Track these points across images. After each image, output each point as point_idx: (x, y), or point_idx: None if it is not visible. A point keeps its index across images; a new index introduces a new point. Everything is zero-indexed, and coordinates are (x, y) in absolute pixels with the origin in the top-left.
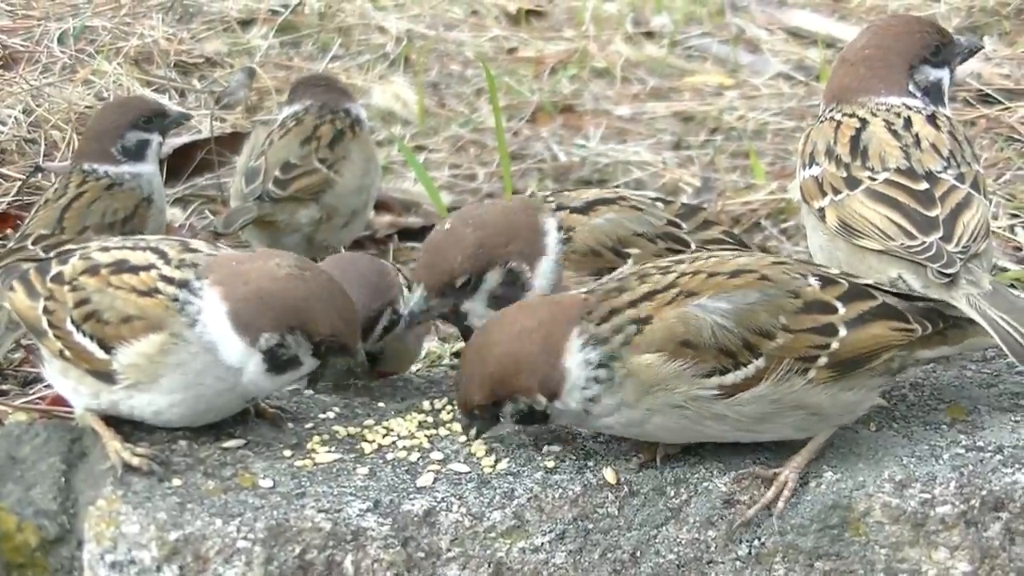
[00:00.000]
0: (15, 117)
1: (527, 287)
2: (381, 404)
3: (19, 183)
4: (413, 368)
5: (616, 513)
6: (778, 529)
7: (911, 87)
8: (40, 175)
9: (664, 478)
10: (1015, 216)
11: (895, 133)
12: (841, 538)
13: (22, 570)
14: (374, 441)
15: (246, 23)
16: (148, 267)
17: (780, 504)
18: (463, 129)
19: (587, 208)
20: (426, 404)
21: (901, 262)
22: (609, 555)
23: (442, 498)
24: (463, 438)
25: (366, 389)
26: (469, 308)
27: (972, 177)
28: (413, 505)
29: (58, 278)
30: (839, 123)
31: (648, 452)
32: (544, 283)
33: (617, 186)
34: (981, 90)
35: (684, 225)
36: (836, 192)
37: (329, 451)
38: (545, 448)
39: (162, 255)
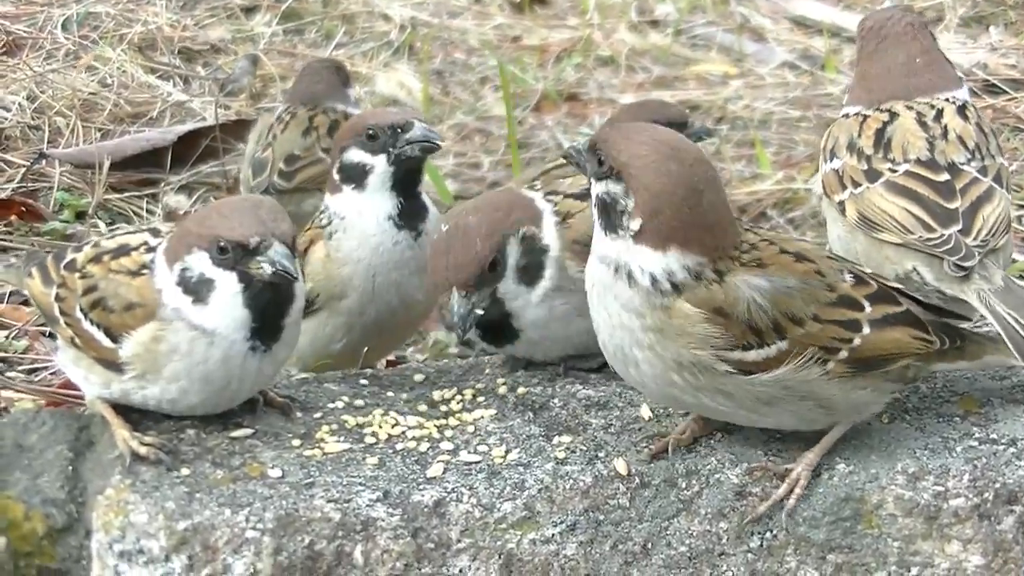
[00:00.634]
0: (19, 103)
1: (546, 248)
2: (390, 394)
3: (23, 170)
4: (420, 357)
5: (627, 505)
6: (786, 526)
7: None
8: (44, 162)
9: (676, 470)
10: (1021, 207)
11: (924, 124)
12: (854, 531)
13: (30, 559)
14: (383, 431)
15: (250, 10)
16: (139, 245)
17: (791, 501)
18: (468, 117)
19: (584, 195)
20: (436, 394)
21: (917, 255)
22: (620, 547)
23: (452, 489)
24: (473, 427)
25: (375, 378)
26: (505, 291)
27: (995, 170)
28: (423, 496)
29: (71, 265)
30: (866, 117)
31: (660, 443)
32: (556, 245)
33: None
34: (987, 80)
35: None
36: (856, 185)
37: (338, 441)
38: (556, 439)
39: (155, 232)
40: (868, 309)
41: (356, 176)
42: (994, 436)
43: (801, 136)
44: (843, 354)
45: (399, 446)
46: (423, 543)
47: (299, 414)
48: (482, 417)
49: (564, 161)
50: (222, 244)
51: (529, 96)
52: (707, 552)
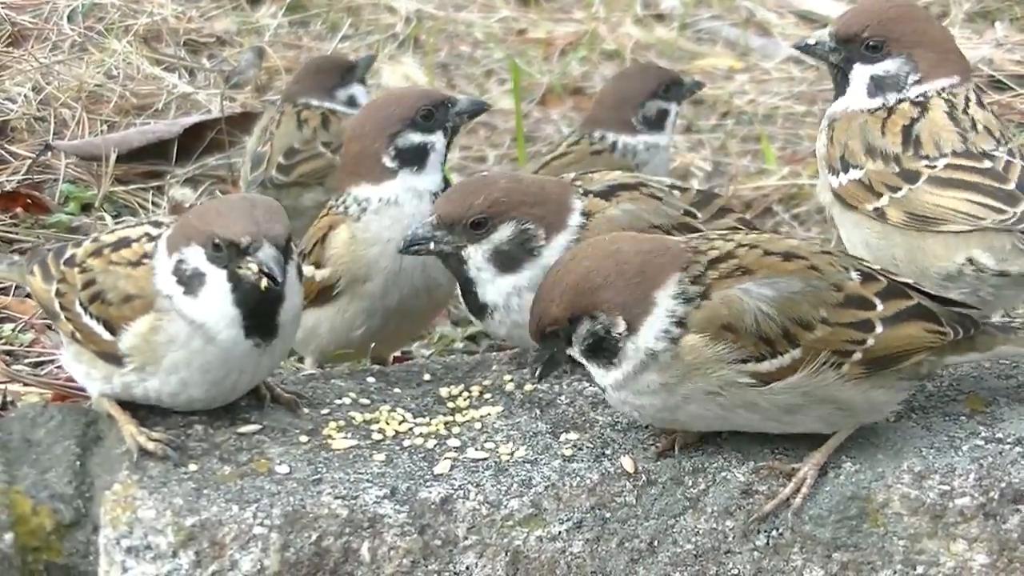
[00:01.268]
0: (25, 95)
1: (536, 253)
2: (397, 390)
3: (29, 162)
4: (426, 353)
5: (634, 502)
6: (792, 525)
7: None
8: (50, 153)
9: (682, 467)
10: None
11: (954, 118)
12: (859, 529)
13: (37, 554)
14: (391, 427)
15: (255, 2)
16: (140, 237)
17: (798, 500)
18: None
19: (609, 193)
20: (443, 391)
21: (973, 244)
22: (627, 544)
23: (459, 485)
24: (480, 424)
25: (382, 375)
26: (470, 254)
27: (1020, 152)
28: (430, 492)
29: (70, 261)
30: (889, 114)
31: (667, 441)
32: (555, 257)
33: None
34: (992, 76)
35: (699, 215)
36: (894, 189)
37: (345, 437)
38: (563, 436)
39: (156, 224)
40: (880, 307)
41: (416, 157)
42: (1000, 435)
43: (806, 131)
44: (857, 356)
45: (406, 443)
46: (430, 540)
47: (306, 410)
48: (489, 414)
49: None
50: (216, 241)
51: (534, 90)
52: (713, 550)
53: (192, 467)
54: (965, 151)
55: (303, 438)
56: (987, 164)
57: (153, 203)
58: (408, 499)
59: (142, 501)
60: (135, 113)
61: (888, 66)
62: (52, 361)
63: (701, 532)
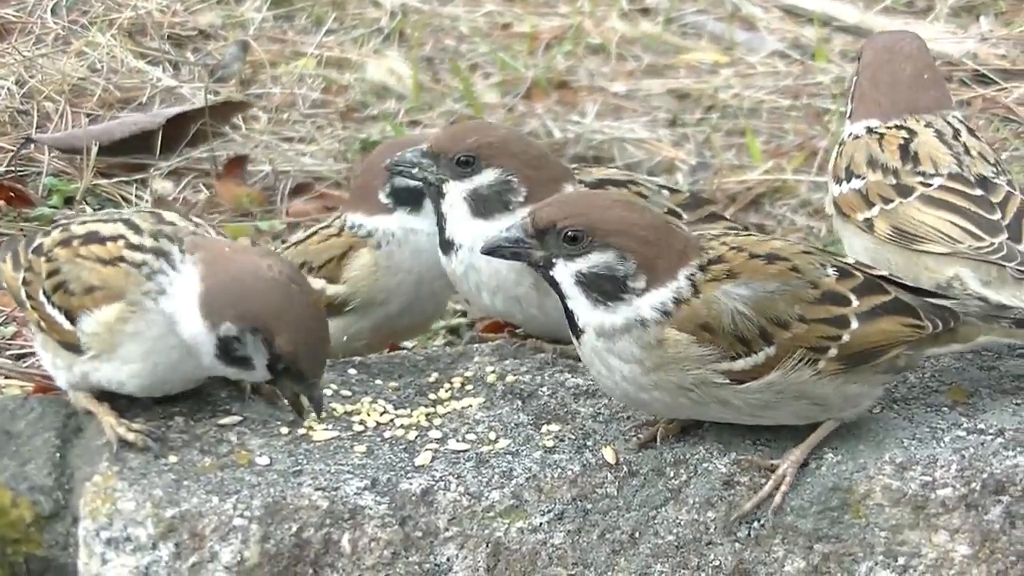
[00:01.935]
0: (8, 88)
1: (511, 208)
2: (379, 381)
3: (11, 154)
4: (409, 344)
5: (615, 493)
6: (773, 522)
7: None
8: (32, 147)
9: (664, 459)
10: None
11: (945, 142)
12: (841, 520)
13: (17, 546)
14: (372, 419)
15: None
16: (116, 237)
17: (777, 498)
18: (458, 104)
19: (597, 186)
20: (424, 382)
21: (961, 263)
22: (608, 536)
23: (440, 477)
24: (461, 416)
25: (364, 366)
26: (449, 189)
27: (1018, 185)
28: (411, 484)
29: (38, 250)
30: (883, 135)
31: (648, 432)
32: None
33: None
34: (977, 70)
35: (684, 215)
36: (887, 201)
37: (326, 429)
38: (544, 428)
39: (133, 227)
40: (855, 303)
41: (410, 199)
42: (982, 426)
43: (791, 125)
44: (833, 352)
45: (387, 434)
46: (411, 531)
47: (287, 402)
48: (471, 405)
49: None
50: (277, 356)
51: (519, 83)
52: (695, 541)
53: (172, 458)
54: (959, 174)
55: (284, 429)
56: (978, 192)
57: (136, 196)
58: (389, 490)
59: (122, 493)
60: (119, 107)
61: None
62: (34, 353)
63: (683, 523)
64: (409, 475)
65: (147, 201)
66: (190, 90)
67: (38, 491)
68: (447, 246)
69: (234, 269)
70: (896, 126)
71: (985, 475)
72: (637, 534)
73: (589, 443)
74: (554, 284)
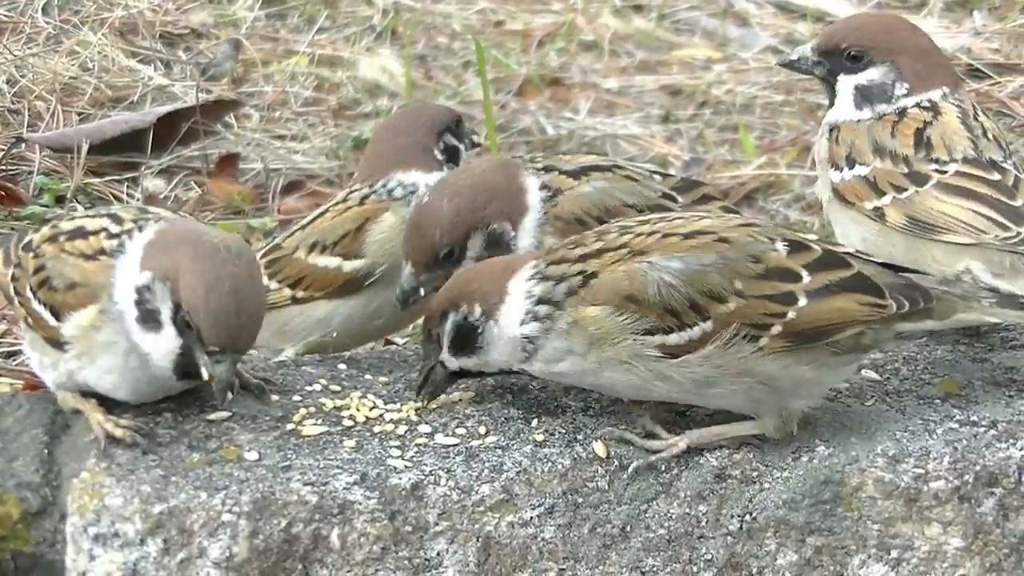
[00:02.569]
0: None
1: (512, 247)
2: (368, 376)
3: (2, 153)
4: (400, 340)
5: (606, 487)
6: (765, 517)
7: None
8: (23, 146)
9: None
10: None
11: (966, 124)
12: (833, 513)
13: (4, 542)
14: (361, 414)
15: None
16: (99, 231)
17: (653, 458)
18: (450, 102)
19: (579, 172)
20: (414, 376)
21: (971, 254)
22: (599, 530)
23: (430, 471)
24: (451, 410)
25: (353, 361)
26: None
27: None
28: (400, 479)
29: (27, 246)
30: (899, 120)
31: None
32: (530, 242)
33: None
34: (971, 65)
35: (680, 199)
36: (899, 190)
37: (315, 424)
38: (534, 422)
39: (116, 219)
40: (806, 279)
41: (452, 156)
42: (975, 418)
43: (784, 121)
44: (776, 329)
45: (377, 429)
46: (400, 526)
47: (276, 397)
48: (460, 400)
49: None
50: (187, 320)
51: (512, 80)
52: (686, 535)
53: (160, 454)
54: (976, 159)
55: (273, 424)
56: (996, 176)
57: (128, 194)
58: (378, 485)
59: (110, 489)
60: (110, 105)
61: (872, 75)
62: (22, 351)
63: (674, 517)
64: (399, 470)
65: (138, 199)
66: (182, 89)
67: (25, 488)
68: None
69: (175, 232)
70: (922, 106)
71: (978, 467)
72: (628, 528)
73: (580, 437)
74: None
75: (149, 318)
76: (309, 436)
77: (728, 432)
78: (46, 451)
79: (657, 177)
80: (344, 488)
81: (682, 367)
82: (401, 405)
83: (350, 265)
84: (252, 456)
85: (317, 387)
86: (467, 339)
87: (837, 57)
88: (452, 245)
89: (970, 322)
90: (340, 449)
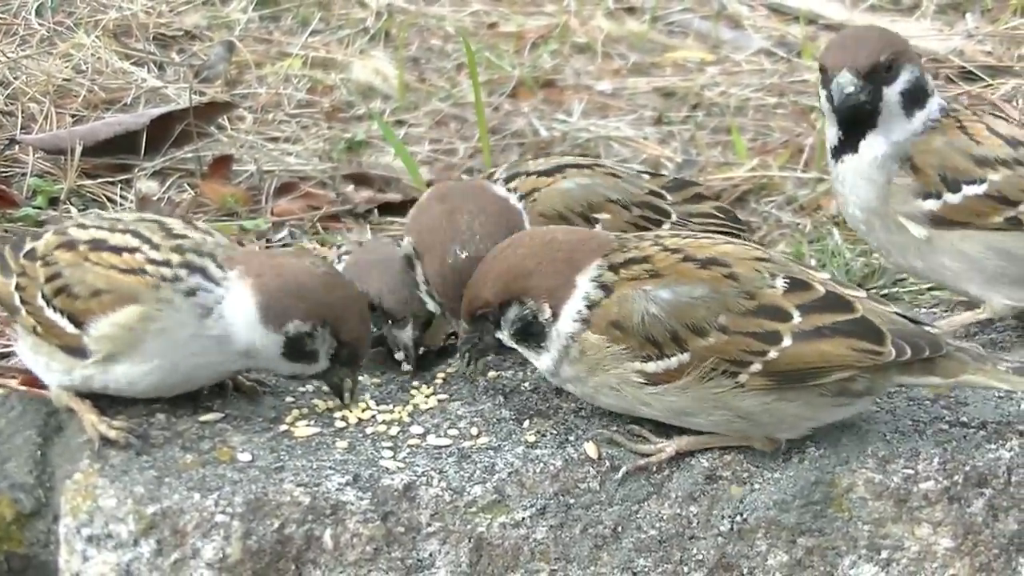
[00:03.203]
0: None
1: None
2: (361, 378)
3: None
4: None
5: (598, 488)
6: (756, 518)
7: None
8: (16, 148)
9: None
10: None
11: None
12: (824, 514)
13: None
14: (353, 415)
15: None
16: (132, 249)
17: (642, 461)
18: (443, 104)
19: (553, 170)
20: (406, 377)
21: None
22: (590, 530)
23: (422, 472)
24: (443, 411)
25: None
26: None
27: None
28: (393, 479)
29: (31, 254)
30: (961, 124)
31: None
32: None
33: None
34: (963, 67)
35: (669, 196)
36: None
37: (308, 425)
38: (526, 423)
39: (145, 240)
40: (796, 319)
41: None
42: (964, 419)
43: (777, 123)
44: (756, 367)
45: (369, 430)
46: (393, 527)
47: (269, 398)
48: (452, 401)
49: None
50: (343, 344)
51: (505, 82)
52: (677, 535)
53: (154, 455)
54: None
55: (265, 426)
56: None
57: (121, 196)
58: (371, 486)
59: (103, 490)
60: (104, 107)
61: (907, 76)
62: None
63: (665, 517)
64: (391, 471)
65: (132, 201)
66: (175, 91)
67: (19, 489)
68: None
69: (286, 273)
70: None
71: (968, 468)
72: (620, 528)
73: (571, 438)
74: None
75: (304, 356)
76: (302, 437)
77: (716, 442)
78: (39, 452)
79: (645, 176)
80: (337, 489)
81: (662, 395)
82: (393, 406)
83: None
84: (245, 457)
85: (309, 388)
86: (531, 334)
87: (878, 74)
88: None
89: (978, 385)
90: (333, 450)
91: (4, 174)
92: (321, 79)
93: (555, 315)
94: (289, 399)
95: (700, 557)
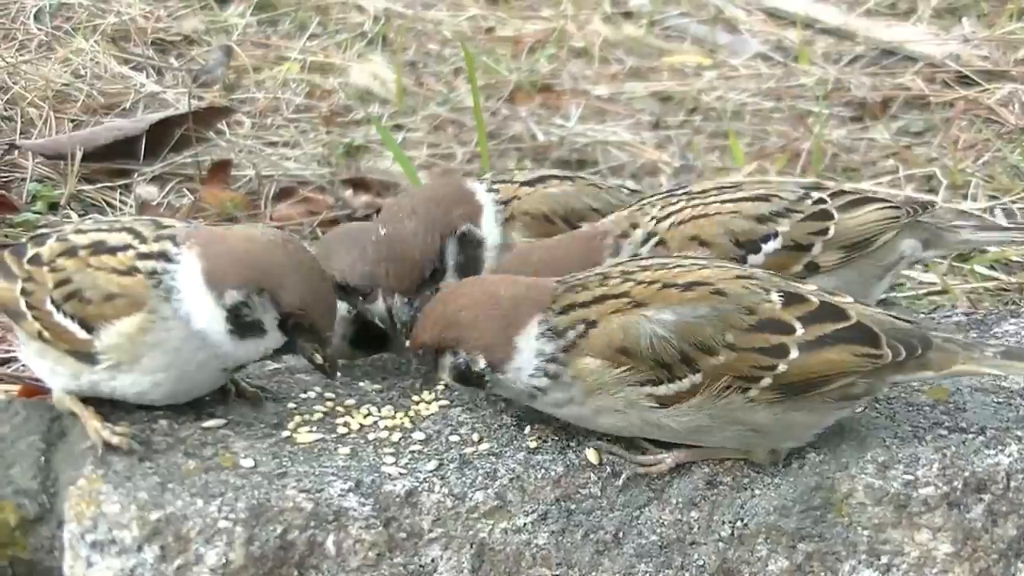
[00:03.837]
0: None
1: (483, 244)
2: (362, 384)
3: None
4: None
5: (599, 494)
6: (756, 523)
7: None
8: (16, 153)
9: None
10: (994, 197)
11: None
12: (824, 519)
13: (2, 549)
14: (355, 421)
15: (223, 1)
16: (124, 247)
17: (641, 470)
18: (441, 108)
19: (535, 180)
20: (407, 383)
21: (900, 242)
22: (592, 536)
23: (424, 478)
24: (444, 417)
25: (347, 369)
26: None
27: None
28: (395, 485)
29: (35, 260)
30: None
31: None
32: (496, 240)
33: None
34: (959, 72)
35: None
36: (823, 233)
37: (310, 431)
38: (527, 428)
39: (137, 235)
40: (799, 331)
41: None
42: (963, 425)
43: (774, 127)
44: (767, 381)
45: (371, 436)
46: (395, 533)
47: (271, 404)
48: (454, 407)
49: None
50: (287, 313)
51: (503, 87)
52: (678, 541)
53: (157, 461)
54: None
55: (268, 432)
56: None
57: (121, 201)
58: (373, 492)
59: (107, 496)
60: (102, 112)
61: None
62: (17, 359)
63: (666, 523)
64: (393, 477)
65: (131, 206)
66: (174, 95)
67: (23, 495)
68: None
69: (229, 240)
70: None
71: (967, 473)
72: (621, 534)
73: (572, 444)
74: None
75: (249, 329)
76: (304, 443)
77: (715, 454)
78: (43, 458)
79: (624, 190)
80: (339, 495)
81: (673, 415)
82: (395, 412)
83: None
84: (248, 463)
85: (312, 394)
86: (469, 380)
87: None
88: (434, 260)
89: (969, 373)
90: (335, 456)
91: (3, 179)
92: (319, 83)
93: (495, 369)
94: (291, 405)
95: (701, 562)
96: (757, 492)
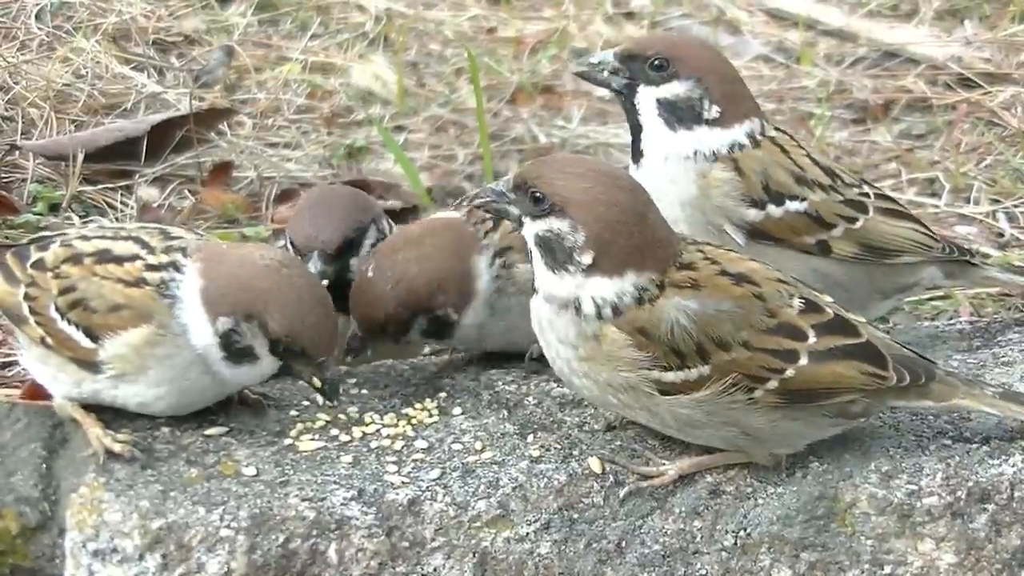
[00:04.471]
0: None
1: (455, 329)
2: (365, 392)
3: None
4: None
5: (602, 503)
6: (760, 533)
7: None
8: (17, 153)
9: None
10: (996, 201)
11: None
12: (827, 529)
13: (3, 557)
14: (358, 429)
15: (224, 0)
16: (132, 257)
17: (644, 484)
18: (443, 109)
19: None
20: (410, 392)
21: (922, 268)
22: (594, 545)
23: (426, 487)
24: (447, 426)
25: (349, 376)
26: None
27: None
28: (397, 494)
29: (39, 265)
30: (781, 145)
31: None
32: (473, 320)
33: None
34: (962, 74)
35: None
36: (851, 220)
37: (313, 439)
38: (530, 437)
39: (144, 245)
40: (812, 339)
41: None
42: (967, 435)
43: None
44: (773, 384)
45: (373, 444)
46: (397, 542)
47: (273, 412)
48: (456, 415)
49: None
50: (275, 340)
51: (504, 88)
52: (681, 550)
53: (159, 469)
54: (861, 180)
55: (270, 440)
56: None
57: (122, 202)
58: (375, 501)
59: (108, 504)
60: (104, 112)
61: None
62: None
63: (669, 533)
64: (395, 485)
65: (132, 208)
66: (175, 96)
67: (24, 502)
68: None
69: (225, 263)
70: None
71: (970, 483)
72: (623, 543)
73: (575, 453)
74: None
75: (242, 355)
76: (306, 451)
77: (718, 462)
78: (44, 466)
79: None
80: (341, 503)
81: (672, 405)
82: (397, 420)
83: None
84: (250, 471)
85: (314, 402)
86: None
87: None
88: (396, 328)
89: (968, 408)
90: (337, 464)
91: (4, 180)
92: (320, 84)
93: (589, 269)
94: (294, 412)
95: (704, 572)
96: (760, 501)
